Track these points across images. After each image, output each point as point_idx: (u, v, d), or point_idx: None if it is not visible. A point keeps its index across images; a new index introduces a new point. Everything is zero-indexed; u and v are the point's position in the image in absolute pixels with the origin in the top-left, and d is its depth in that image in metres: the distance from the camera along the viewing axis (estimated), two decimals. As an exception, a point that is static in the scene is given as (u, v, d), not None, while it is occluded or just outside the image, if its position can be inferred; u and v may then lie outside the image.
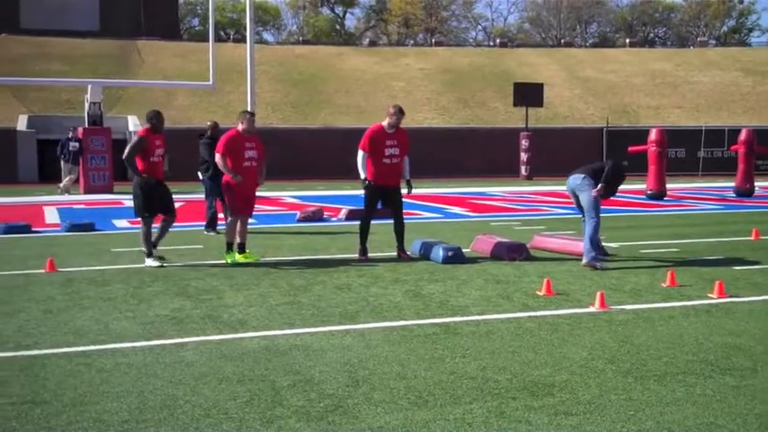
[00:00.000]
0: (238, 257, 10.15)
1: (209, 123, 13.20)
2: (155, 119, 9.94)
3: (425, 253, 10.18)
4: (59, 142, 23.71)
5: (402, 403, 4.70)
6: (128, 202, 19.62)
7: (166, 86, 33.40)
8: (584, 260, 9.39)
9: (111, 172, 23.89)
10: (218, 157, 10.10)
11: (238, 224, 10.25)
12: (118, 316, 7.03)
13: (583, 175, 9.66)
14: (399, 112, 10.34)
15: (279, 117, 35.71)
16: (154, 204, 9.81)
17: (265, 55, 40.24)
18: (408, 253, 10.32)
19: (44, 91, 33.17)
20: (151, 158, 9.76)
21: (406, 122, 35.17)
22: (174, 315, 7.05)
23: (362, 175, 10.35)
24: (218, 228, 12.92)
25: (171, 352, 5.84)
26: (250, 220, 14.24)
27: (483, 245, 10.63)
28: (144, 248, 9.79)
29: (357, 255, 10.26)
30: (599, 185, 9.58)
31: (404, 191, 10.47)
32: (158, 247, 10.03)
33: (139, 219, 9.95)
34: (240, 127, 10.23)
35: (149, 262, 9.70)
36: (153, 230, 9.94)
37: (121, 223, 14.84)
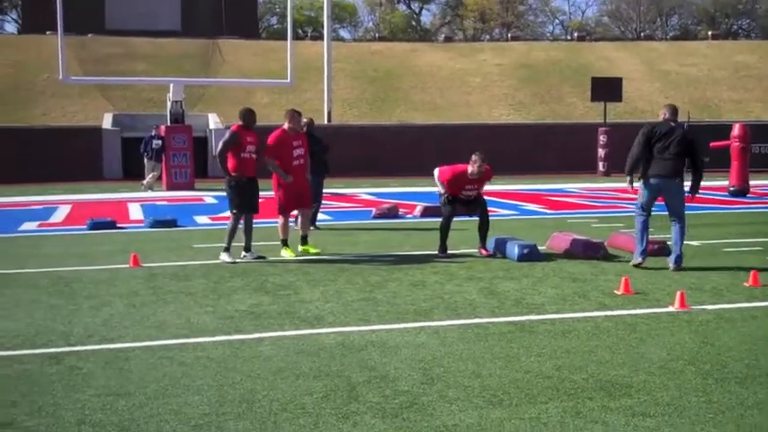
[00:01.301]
0: (302, 248, 10.54)
1: (305, 120, 13.22)
2: (246, 116, 10.12)
3: (501, 250, 10.14)
4: (143, 140, 24.30)
5: (477, 401, 4.71)
6: (208, 198, 20.07)
7: (246, 85, 33.94)
8: (675, 265, 9.04)
9: (193, 169, 24.40)
10: (268, 159, 10.30)
11: (300, 217, 10.72)
12: (198, 311, 7.20)
13: (678, 179, 9.08)
14: (482, 161, 10.25)
15: (355, 114, 35.94)
16: (244, 202, 10.00)
17: (342, 52, 40.52)
18: (487, 250, 10.31)
19: (128, 90, 34.06)
20: (242, 154, 9.92)
21: (482, 118, 34.84)
22: (253, 310, 7.19)
23: (441, 190, 10.52)
24: (316, 223, 13.21)
25: (249, 347, 5.97)
26: (325, 216, 14.48)
27: (559, 242, 10.53)
28: (226, 242, 10.00)
29: (437, 252, 10.31)
30: (693, 195, 9.23)
31: None
32: (253, 243, 10.26)
33: (231, 214, 10.16)
34: (286, 126, 10.42)
35: (224, 256, 9.90)
36: (240, 226, 10.13)
37: (202, 219, 15.16)
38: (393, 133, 32.07)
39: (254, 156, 10.05)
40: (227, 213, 10.31)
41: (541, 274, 8.92)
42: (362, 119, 35.11)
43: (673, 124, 9.12)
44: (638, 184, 9.30)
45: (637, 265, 9.07)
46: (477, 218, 10.50)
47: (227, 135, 10.05)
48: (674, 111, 9.25)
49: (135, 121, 30.63)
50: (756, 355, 5.61)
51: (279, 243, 10.52)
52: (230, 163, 9.91)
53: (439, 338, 6.15)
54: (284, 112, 10.84)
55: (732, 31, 71.98)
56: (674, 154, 8.98)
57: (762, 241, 11.36)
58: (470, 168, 10.26)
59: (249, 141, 9.98)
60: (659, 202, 9.42)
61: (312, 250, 10.53)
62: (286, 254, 10.34)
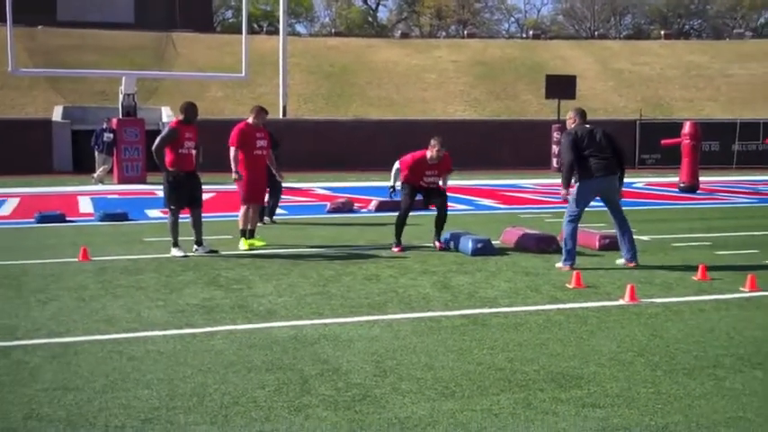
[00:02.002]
0: (249, 242, 10.55)
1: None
2: (187, 110, 10.05)
3: (455, 245, 10.19)
4: (94, 133, 23.95)
5: (429, 394, 4.72)
6: (160, 192, 19.83)
7: (199, 78, 33.61)
8: (635, 262, 9.06)
9: (145, 162, 24.05)
10: (232, 150, 10.43)
11: (250, 211, 10.64)
12: (149, 305, 7.12)
13: (616, 176, 9.12)
14: (441, 146, 10.34)
15: (310, 109, 35.81)
16: (181, 197, 9.92)
17: (298, 47, 40.35)
18: (442, 243, 10.35)
19: (80, 82, 33.51)
20: (180, 150, 9.83)
21: (438, 114, 34.81)
22: (205, 304, 7.12)
23: (392, 183, 10.76)
24: (273, 217, 13.47)
25: (201, 340, 5.91)
26: (280, 211, 14.42)
27: (513, 237, 10.60)
28: (171, 238, 9.93)
29: (392, 246, 10.30)
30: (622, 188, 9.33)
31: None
32: (204, 237, 10.20)
33: (167, 209, 10.10)
34: (250, 119, 10.61)
35: (174, 252, 9.83)
36: (183, 221, 10.03)
37: (154, 213, 14.97)
38: (348, 128, 32.00)
39: (192, 151, 9.97)
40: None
41: (495, 268, 8.97)
42: (318, 114, 35.00)
43: (588, 126, 9.10)
44: (572, 190, 9.12)
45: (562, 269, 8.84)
46: (435, 211, 10.52)
47: (165, 130, 10.02)
48: (583, 114, 9.24)
49: (86, 113, 30.15)
50: (704, 347, 5.71)
51: (230, 237, 10.45)
52: (168, 158, 9.82)
53: (392, 332, 6.15)
54: (250, 107, 11.15)
55: (684, 30, 73.10)
56: (610, 152, 9.00)
57: (710, 236, 11.56)
58: (429, 153, 10.33)
59: (188, 137, 9.90)
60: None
61: (258, 243, 10.64)
62: (243, 245, 10.31)
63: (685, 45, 48.76)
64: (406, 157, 10.53)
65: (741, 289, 7.73)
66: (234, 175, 10.40)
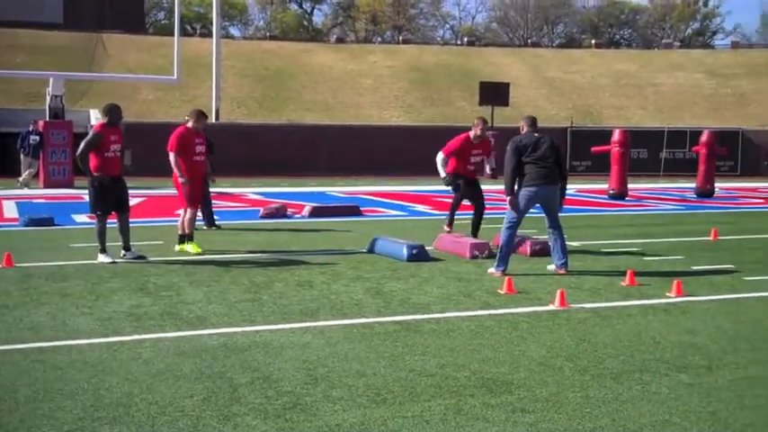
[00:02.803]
0: (180, 247, 10.46)
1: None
2: (111, 112, 9.84)
3: (389, 251, 10.18)
4: (20, 135, 23.33)
5: (360, 401, 4.70)
6: (87, 196, 19.41)
7: (130, 80, 33.04)
8: (565, 269, 9.10)
9: (72, 166, 23.49)
10: (171, 156, 10.29)
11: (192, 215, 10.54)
12: (75, 312, 6.94)
13: (557, 185, 9.18)
14: (485, 124, 11.04)
15: (244, 112, 35.50)
16: (107, 201, 9.71)
17: (231, 50, 39.98)
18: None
19: (6, 83, 32.63)
20: (106, 154, 9.62)
21: (373, 119, 34.66)
22: (133, 311, 6.98)
23: (442, 174, 11.28)
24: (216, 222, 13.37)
25: (128, 349, 5.79)
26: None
27: (446, 243, 10.65)
28: (98, 244, 9.71)
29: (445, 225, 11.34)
30: (562, 199, 9.41)
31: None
32: (132, 243, 10.02)
33: (94, 215, 9.88)
34: (190, 124, 10.48)
35: (102, 258, 9.62)
36: (110, 226, 9.83)
37: (81, 218, 14.64)
38: (283, 133, 31.81)
39: (118, 154, 9.78)
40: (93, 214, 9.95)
41: (428, 274, 9.00)
42: (252, 118, 34.70)
43: (537, 135, 9.22)
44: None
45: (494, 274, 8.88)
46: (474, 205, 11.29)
47: (89, 135, 9.80)
48: (532, 122, 9.39)
49: (13, 115, 29.31)
50: (631, 352, 5.80)
51: (161, 243, 10.27)
52: (93, 162, 9.61)
53: (324, 338, 6.12)
54: (182, 110, 10.88)
55: (614, 40, 74.56)
56: (552, 162, 9.11)
57: (638, 242, 11.79)
58: (473, 132, 10.82)
59: (113, 140, 9.70)
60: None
61: (196, 249, 10.44)
62: (191, 249, 10.20)
63: (615, 54, 49.74)
64: (448, 145, 10.97)
65: (668, 294, 7.89)
66: (180, 180, 10.22)
